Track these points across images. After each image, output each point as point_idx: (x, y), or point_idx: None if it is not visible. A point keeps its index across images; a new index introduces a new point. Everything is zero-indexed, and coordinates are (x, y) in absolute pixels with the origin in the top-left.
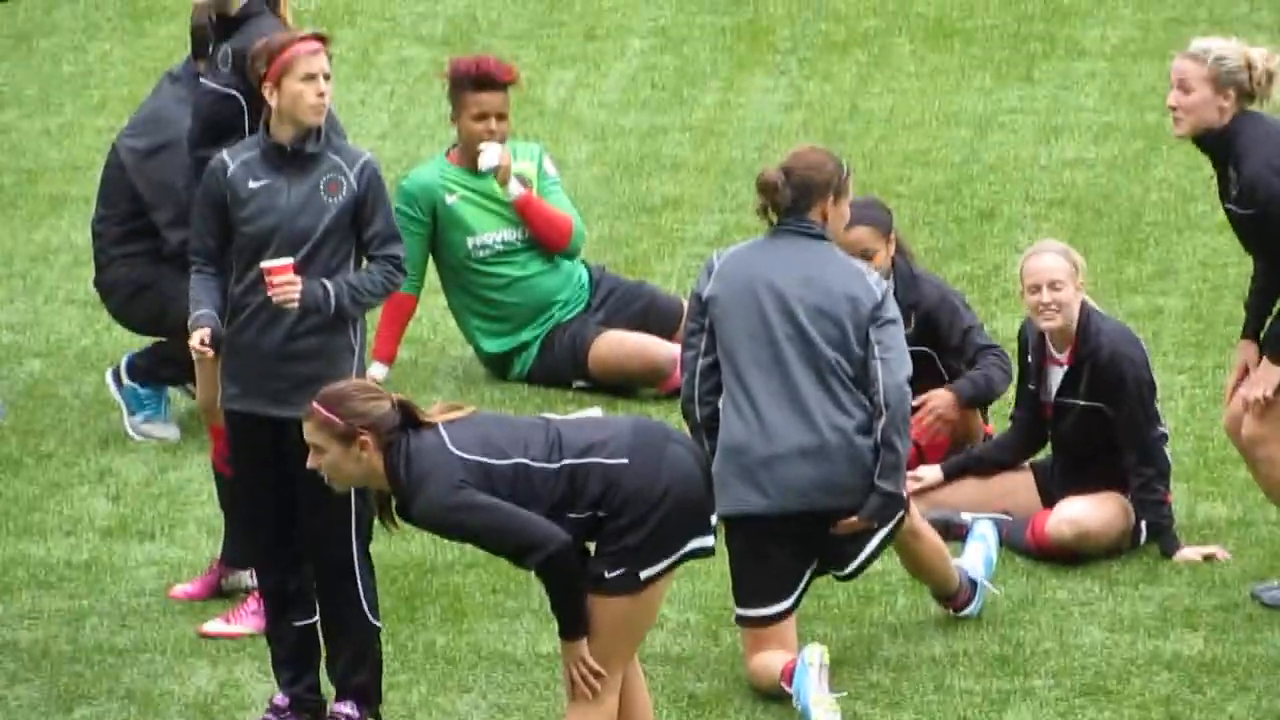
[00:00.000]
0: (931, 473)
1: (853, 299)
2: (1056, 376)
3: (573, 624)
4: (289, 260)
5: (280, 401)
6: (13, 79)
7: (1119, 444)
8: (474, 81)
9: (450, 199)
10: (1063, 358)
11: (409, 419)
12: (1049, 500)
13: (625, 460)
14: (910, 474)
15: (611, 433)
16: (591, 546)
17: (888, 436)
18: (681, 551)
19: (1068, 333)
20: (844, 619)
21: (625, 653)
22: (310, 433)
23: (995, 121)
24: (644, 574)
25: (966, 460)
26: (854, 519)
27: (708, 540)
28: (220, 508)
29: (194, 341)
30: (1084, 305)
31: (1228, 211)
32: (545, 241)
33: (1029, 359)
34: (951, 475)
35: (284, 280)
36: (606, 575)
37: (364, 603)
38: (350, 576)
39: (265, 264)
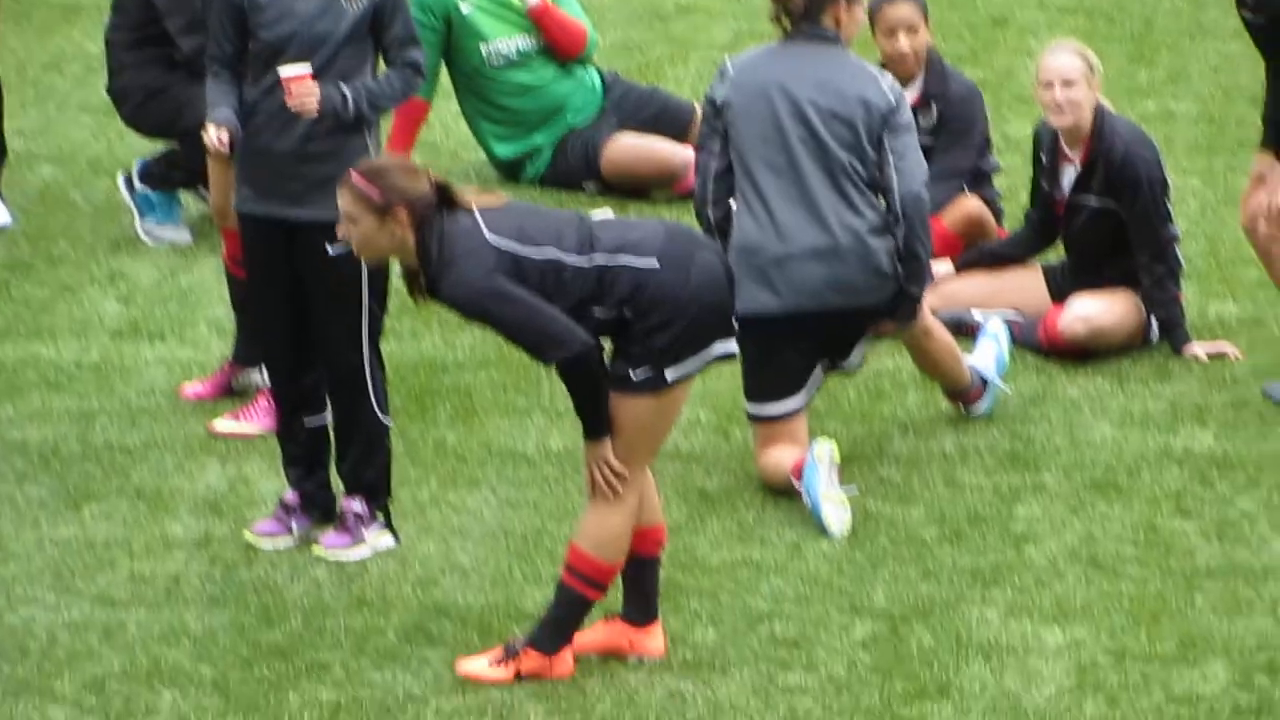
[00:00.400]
0: (944, 267)
1: (865, 102)
2: (1070, 175)
3: (595, 425)
4: (306, 67)
5: (295, 203)
6: None
7: (1131, 243)
8: None
9: (465, 7)
10: (1076, 156)
11: (445, 200)
12: (1059, 300)
13: (656, 263)
14: None
15: (643, 234)
16: (610, 350)
17: (910, 246)
18: (706, 355)
19: (1080, 131)
20: (854, 416)
21: (647, 453)
22: (346, 203)
23: None
24: (670, 375)
25: (979, 254)
26: (887, 323)
27: (731, 345)
28: (232, 308)
29: (210, 138)
30: (1098, 106)
31: (1243, 20)
32: (559, 49)
33: (1043, 158)
34: (963, 269)
35: (301, 88)
36: (632, 375)
37: (374, 401)
38: (361, 376)
39: (283, 72)
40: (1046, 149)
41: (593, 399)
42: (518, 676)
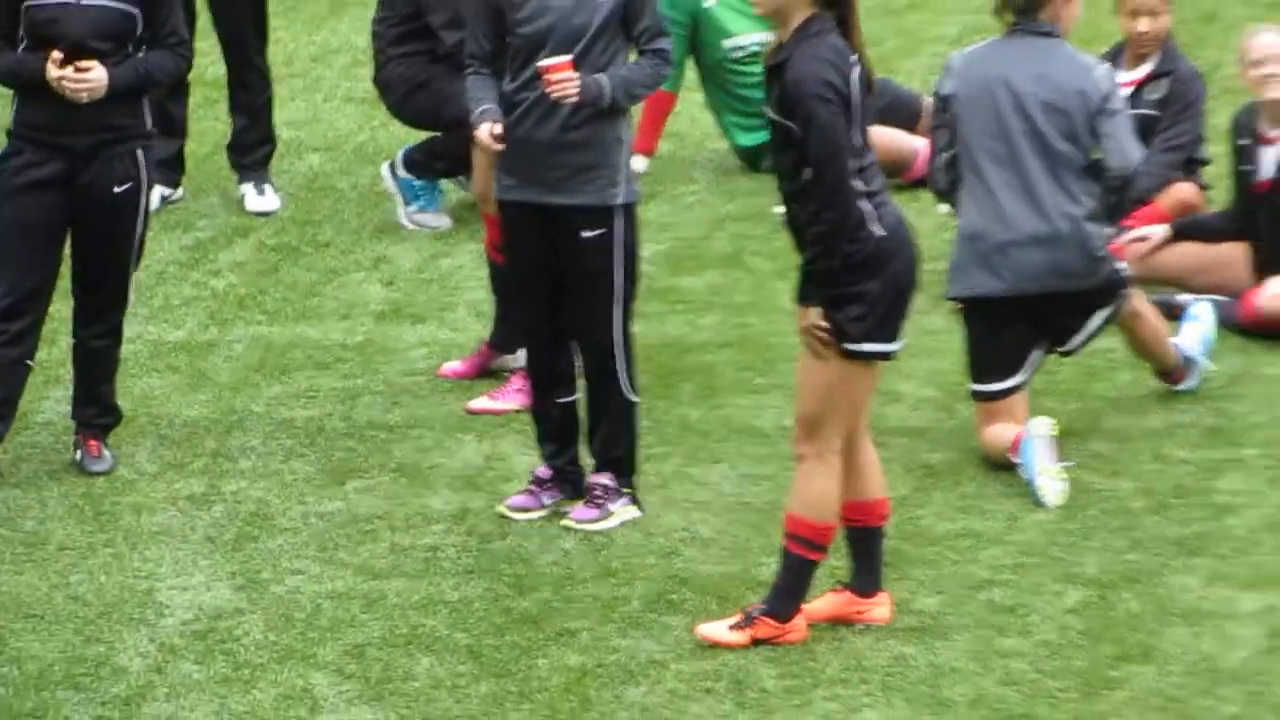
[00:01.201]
0: (1159, 231)
1: (1081, 92)
2: (1270, 155)
3: (807, 289)
4: (567, 58)
5: (554, 190)
6: None
7: None
8: None
9: (709, 3)
10: (1277, 134)
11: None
12: (1259, 279)
13: (884, 232)
14: (1139, 231)
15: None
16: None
17: (1112, 208)
18: (891, 345)
19: None
20: (1070, 394)
21: (845, 414)
22: None
23: None
24: (866, 348)
25: (1193, 223)
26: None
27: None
28: (492, 293)
29: (483, 134)
30: None
31: None
32: None
33: (1241, 142)
34: (1179, 235)
35: (562, 77)
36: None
37: (624, 381)
38: (612, 357)
39: (543, 63)
40: (1246, 133)
41: (820, 260)
42: (754, 641)
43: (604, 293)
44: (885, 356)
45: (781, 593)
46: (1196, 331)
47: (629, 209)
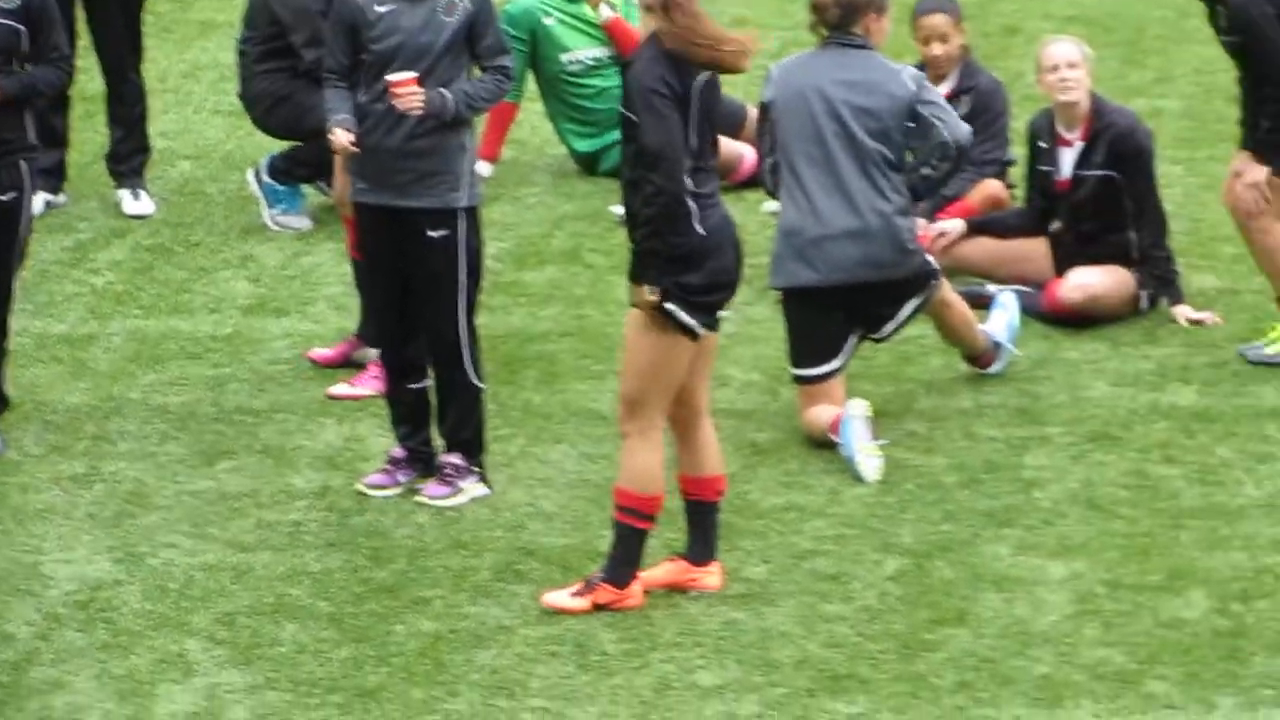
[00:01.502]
0: (956, 225)
1: (891, 94)
2: (1068, 155)
3: (639, 268)
4: (413, 74)
5: (402, 193)
6: None
7: (1130, 210)
8: None
9: (548, 21)
10: (1074, 136)
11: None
12: (1060, 272)
13: (704, 232)
14: (937, 226)
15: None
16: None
17: (945, 182)
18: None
19: (1081, 111)
20: (885, 377)
21: (662, 388)
22: None
23: None
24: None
25: (989, 221)
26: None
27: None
28: (356, 289)
29: (337, 139)
30: (1091, 91)
31: (1222, 44)
32: (629, 56)
33: (1040, 144)
34: (974, 231)
35: (407, 91)
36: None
37: (469, 369)
38: (457, 348)
39: (390, 77)
40: (1045, 135)
41: (651, 240)
42: (595, 607)
43: (448, 289)
44: (695, 335)
45: (617, 561)
46: (1003, 319)
47: (471, 212)
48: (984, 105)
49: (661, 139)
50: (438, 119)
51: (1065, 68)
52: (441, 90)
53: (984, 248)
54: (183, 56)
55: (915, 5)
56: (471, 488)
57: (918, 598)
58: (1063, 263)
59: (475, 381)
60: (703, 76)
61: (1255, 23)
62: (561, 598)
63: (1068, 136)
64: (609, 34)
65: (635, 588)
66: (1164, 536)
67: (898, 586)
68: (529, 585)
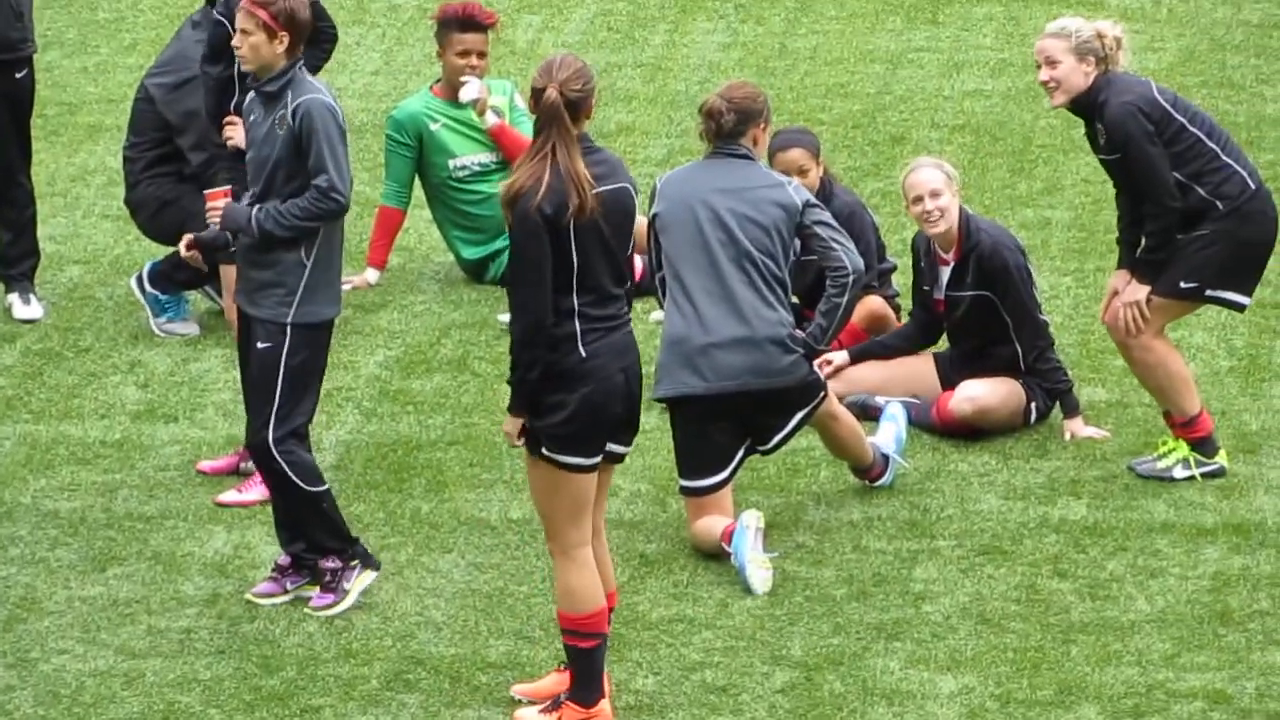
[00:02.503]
0: (840, 356)
1: (777, 203)
2: (945, 275)
3: (512, 399)
4: (225, 188)
5: (248, 300)
6: (55, 24)
7: (1011, 324)
8: (460, 23)
9: (434, 126)
10: (949, 256)
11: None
12: (948, 385)
13: (586, 355)
14: (822, 359)
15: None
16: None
17: (838, 313)
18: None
19: (951, 234)
20: (774, 489)
21: (565, 515)
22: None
23: (905, 59)
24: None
25: (871, 346)
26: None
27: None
28: None
29: (182, 248)
30: (962, 209)
31: (1101, 162)
32: (516, 162)
33: (921, 263)
34: (857, 359)
35: (213, 205)
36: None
37: (292, 475)
38: (269, 454)
39: (206, 191)
40: (924, 255)
41: (520, 369)
42: None
43: (262, 400)
44: (581, 470)
45: (578, 681)
46: (891, 431)
47: (303, 329)
48: (846, 228)
49: (521, 264)
50: (237, 232)
51: (929, 198)
52: (243, 207)
53: (874, 369)
54: (71, 160)
55: (770, 142)
56: (358, 581)
57: (807, 711)
58: (950, 376)
59: (305, 488)
60: (575, 195)
61: (1133, 138)
62: (532, 715)
63: (945, 256)
64: (495, 140)
65: (603, 705)
66: (1055, 651)
67: (787, 700)
68: (418, 694)
